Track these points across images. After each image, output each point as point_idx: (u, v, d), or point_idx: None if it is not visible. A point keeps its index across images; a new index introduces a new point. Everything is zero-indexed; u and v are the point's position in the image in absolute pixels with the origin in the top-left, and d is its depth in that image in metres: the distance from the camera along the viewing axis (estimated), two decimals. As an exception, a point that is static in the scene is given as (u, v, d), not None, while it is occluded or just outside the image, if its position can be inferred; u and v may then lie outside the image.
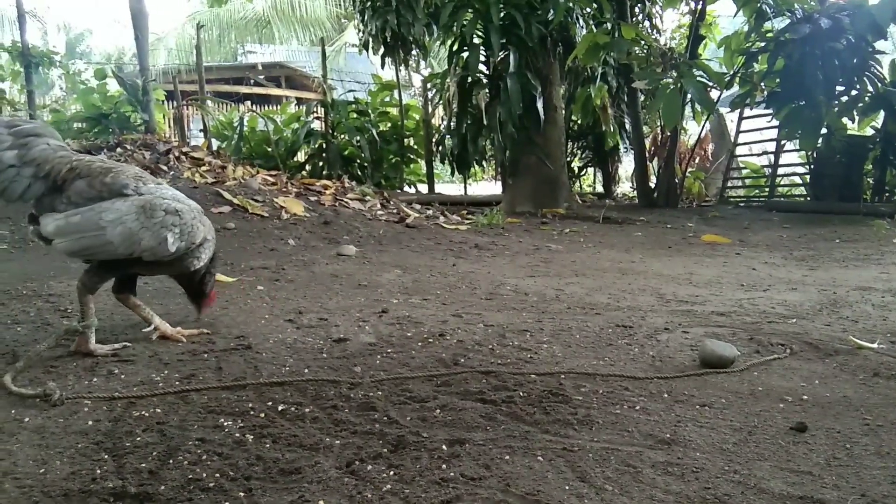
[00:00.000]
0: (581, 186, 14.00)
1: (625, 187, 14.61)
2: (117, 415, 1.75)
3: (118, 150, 7.36)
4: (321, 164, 10.68)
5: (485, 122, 8.49)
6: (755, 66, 8.87)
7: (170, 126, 13.02)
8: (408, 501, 1.33)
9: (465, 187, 11.97)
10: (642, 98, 10.34)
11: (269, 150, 10.62)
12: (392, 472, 1.45)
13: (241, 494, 1.35)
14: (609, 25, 8.45)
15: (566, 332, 2.72)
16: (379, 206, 7.38)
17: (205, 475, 1.42)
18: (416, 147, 11.76)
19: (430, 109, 11.46)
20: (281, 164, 10.10)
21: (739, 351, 2.37)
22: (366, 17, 9.48)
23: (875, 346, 2.47)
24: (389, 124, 11.55)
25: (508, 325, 2.82)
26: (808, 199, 10.05)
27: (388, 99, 11.66)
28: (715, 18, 11.76)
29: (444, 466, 1.48)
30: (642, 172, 10.45)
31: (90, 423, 1.70)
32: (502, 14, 8.03)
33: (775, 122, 9.55)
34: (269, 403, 1.85)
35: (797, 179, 11.43)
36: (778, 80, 8.37)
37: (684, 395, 1.98)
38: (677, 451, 1.57)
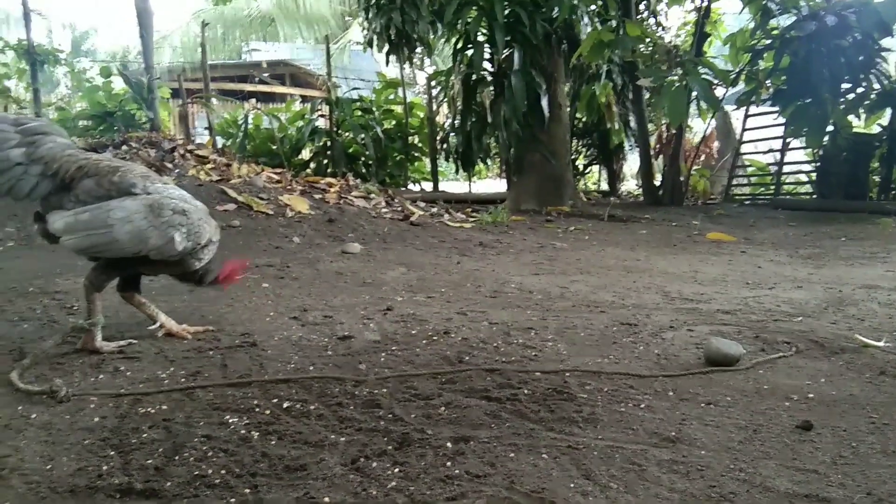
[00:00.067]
0: (586, 184, 13.98)
1: (630, 185, 14.58)
2: (123, 411, 1.76)
3: (123, 147, 7.37)
4: (326, 161, 10.68)
5: (489, 120, 8.48)
6: (761, 64, 8.84)
7: (175, 124, 13.04)
8: (413, 498, 1.33)
9: (470, 185, 11.97)
10: (647, 96, 10.31)
11: (274, 147, 10.64)
12: (397, 470, 1.45)
13: (247, 491, 1.35)
14: (614, 23, 8.44)
15: (571, 330, 2.71)
16: (383, 203, 7.38)
17: (210, 472, 1.43)
18: (420, 145, 11.76)
19: (434, 107, 11.45)
20: (285, 162, 10.10)
21: (745, 349, 2.36)
22: (370, 15, 9.47)
23: (881, 344, 2.46)
24: (394, 122, 11.54)
25: (513, 323, 2.82)
26: (814, 197, 10.00)
27: (392, 97, 11.66)
28: (720, 16, 11.71)
29: (449, 464, 1.48)
30: (647, 170, 10.42)
31: (96, 419, 1.71)
32: (507, 12, 8.02)
33: (781, 120, 9.52)
34: (275, 400, 1.85)
35: (803, 177, 11.39)
36: (784, 77, 8.34)
37: (689, 394, 1.98)
38: (682, 450, 1.57)
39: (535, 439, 1.62)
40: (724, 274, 4.26)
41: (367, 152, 10.54)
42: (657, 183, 10.43)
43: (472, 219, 7.46)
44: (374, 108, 11.23)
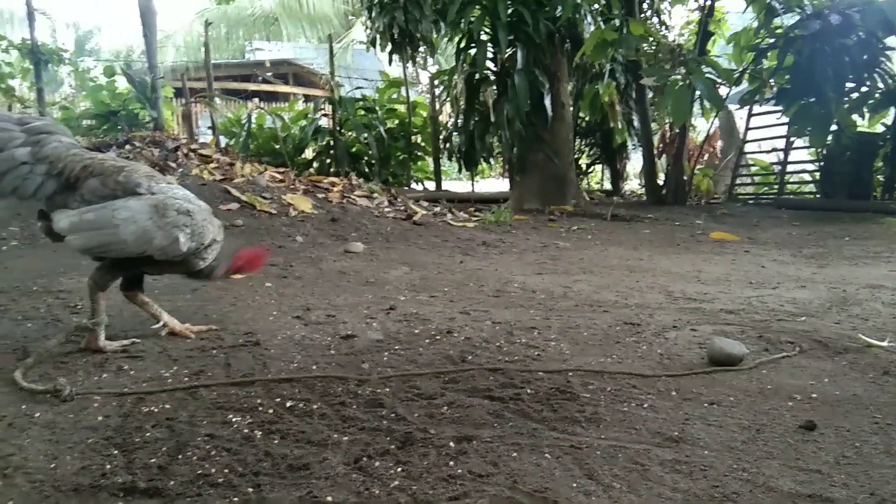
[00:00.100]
0: (589, 183, 13.97)
1: (633, 184, 14.55)
2: (127, 410, 1.77)
3: (127, 147, 7.38)
4: (329, 161, 10.69)
5: (492, 119, 8.47)
6: (764, 63, 8.82)
7: (178, 123, 13.06)
8: (415, 498, 1.33)
9: (473, 184, 11.96)
10: (651, 95, 10.29)
11: (277, 147, 10.64)
12: (400, 469, 1.45)
13: (250, 490, 1.36)
14: (617, 22, 8.41)
15: (574, 330, 2.71)
16: (386, 203, 7.38)
17: (214, 470, 1.43)
18: (423, 144, 11.76)
19: (437, 106, 11.44)
20: (289, 161, 10.11)
21: (748, 349, 2.36)
22: (373, 14, 9.47)
23: (885, 344, 2.45)
24: (397, 121, 11.54)
25: (516, 323, 2.82)
26: (818, 196, 9.97)
27: (395, 96, 11.65)
28: (724, 14, 11.69)
29: (451, 463, 1.48)
30: (650, 169, 10.41)
31: (100, 418, 1.71)
32: (510, 11, 8.01)
33: (785, 119, 9.49)
34: (278, 400, 1.86)
35: (807, 177, 11.36)
36: (787, 76, 8.32)
37: (692, 393, 1.97)
38: (685, 449, 1.57)
39: (538, 439, 1.62)
40: (727, 273, 4.26)
41: (370, 151, 10.54)
42: (660, 182, 10.42)
43: (475, 218, 7.45)
44: (377, 108, 11.22)
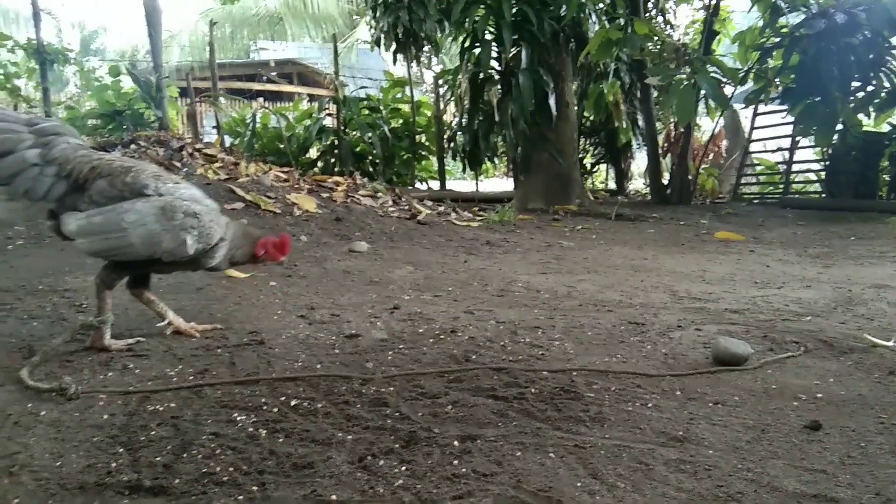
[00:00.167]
0: (593, 183, 13.95)
1: (637, 184, 14.55)
2: (132, 409, 1.77)
3: (132, 146, 7.41)
4: (333, 160, 10.71)
5: (496, 119, 8.47)
6: (770, 62, 8.80)
7: (183, 123, 13.09)
8: (420, 497, 1.33)
9: (477, 184, 11.97)
10: (655, 94, 10.28)
11: (282, 146, 10.66)
12: (404, 468, 1.45)
13: (255, 488, 1.36)
14: (622, 21, 8.40)
15: (578, 329, 2.71)
16: (390, 202, 7.38)
17: (218, 469, 1.43)
18: (427, 143, 11.77)
19: (441, 106, 11.45)
20: (293, 161, 10.13)
21: (753, 349, 2.35)
22: (378, 14, 9.48)
23: (890, 344, 2.44)
24: (401, 121, 11.56)
25: (520, 322, 2.82)
26: (823, 196, 9.95)
27: (399, 95, 11.66)
28: (729, 14, 11.68)
29: (455, 462, 1.48)
30: (655, 169, 10.39)
31: (105, 417, 1.72)
32: (514, 10, 8.00)
33: (790, 119, 9.48)
34: (282, 398, 1.86)
35: (812, 176, 11.33)
36: (793, 75, 8.30)
37: (697, 393, 1.97)
38: (690, 449, 1.57)
39: (542, 438, 1.62)
40: (732, 273, 4.25)
41: (375, 151, 10.55)
42: (665, 182, 10.40)
43: (479, 218, 7.46)
44: (381, 107, 11.24)
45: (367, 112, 10.96)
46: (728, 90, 8.85)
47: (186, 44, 21.38)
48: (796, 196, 10.68)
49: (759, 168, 12.08)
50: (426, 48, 10.11)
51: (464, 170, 11.13)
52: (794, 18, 8.42)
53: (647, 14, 10.31)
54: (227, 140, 11.01)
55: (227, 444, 1.55)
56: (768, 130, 11.24)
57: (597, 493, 1.35)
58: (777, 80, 8.67)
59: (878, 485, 1.40)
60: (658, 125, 11.22)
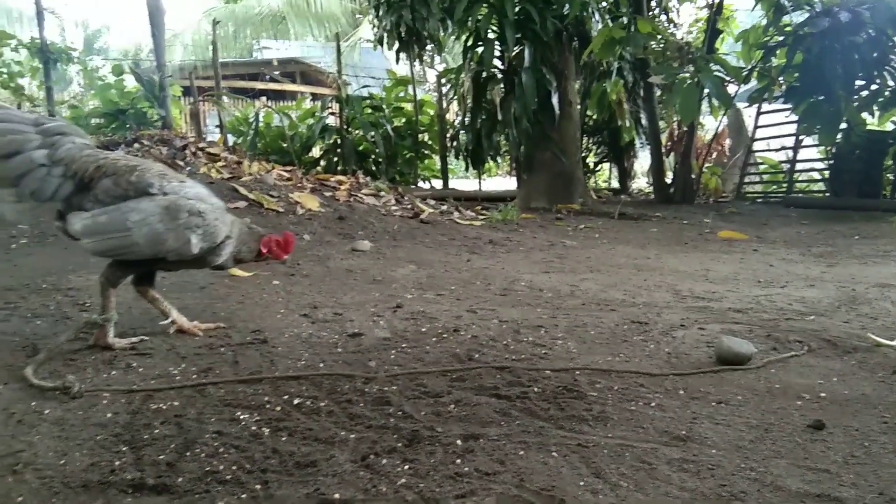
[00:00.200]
0: (596, 182, 13.94)
1: (640, 183, 14.53)
2: (135, 407, 1.77)
3: (135, 145, 7.41)
4: (336, 159, 10.70)
5: (499, 118, 8.46)
6: (773, 61, 8.78)
7: (186, 122, 13.11)
8: (422, 495, 1.33)
9: (480, 183, 11.96)
10: (659, 93, 10.26)
11: (285, 145, 10.67)
12: (407, 467, 1.45)
13: (258, 487, 1.36)
14: (625, 19, 8.40)
15: (581, 329, 2.71)
16: (393, 201, 7.38)
17: (222, 467, 1.44)
18: (430, 142, 11.76)
19: (444, 105, 11.44)
20: (296, 160, 10.13)
21: (756, 348, 2.35)
22: (380, 13, 9.47)
23: (894, 343, 2.44)
24: (404, 120, 11.55)
25: (523, 321, 2.82)
26: (827, 195, 9.93)
27: (402, 94, 11.66)
28: (732, 12, 11.65)
29: (458, 461, 1.48)
30: (658, 168, 10.37)
31: (109, 415, 1.72)
32: (517, 9, 7.99)
33: (794, 117, 9.45)
34: (285, 397, 1.86)
35: (816, 175, 11.31)
36: (796, 74, 8.28)
37: (700, 392, 1.97)
38: (693, 448, 1.57)
39: (545, 437, 1.62)
40: (735, 272, 4.24)
41: (378, 150, 10.55)
42: (668, 181, 10.39)
43: (482, 217, 7.45)
44: (384, 106, 11.24)
45: (369, 111, 10.96)
46: (731, 89, 8.83)
47: (189, 43, 21.38)
48: (800, 195, 10.66)
49: (762, 167, 12.06)
50: (429, 47, 10.08)
51: (466, 169, 11.14)
52: (798, 17, 8.40)
53: (651, 13, 10.29)
54: (230, 139, 11.02)
55: (231, 443, 1.55)
56: (772, 129, 11.22)
57: (600, 492, 1.35)
58: (781, 78, 8.65)
59: (881, 484, 1.40)
60: (661, 124, 11.20)
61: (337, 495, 1.32)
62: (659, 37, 9.05)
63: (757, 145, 11.49)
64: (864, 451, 1.57)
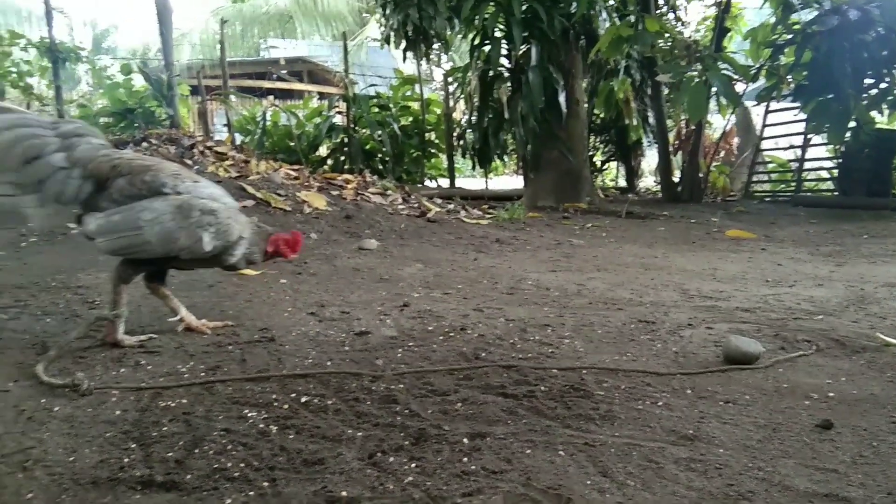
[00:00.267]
0: (603, 181, 13.91)
1: (648, 182, 14.48)
2: (144, 405, 1.78)
3: (144, 144, 7.45)
4: (343, 158, 10.73)
5: (506, 116, 8.46)
6: (782, 59, 8.73)
7: (194, 121, 13.16)
8: (429, 494, 1.33)
9: (486, 182, 11.95)
10: (666, 91, 10.22)
11: (292, 144, 10.69)
12: (414, 465, 1.46)
13: (265, 484, 1.37)
14: (633, 18, 8.34)
15: (588, 328, 2.71)
16: (400, 200, 7.39)
17: (230, 465, 1.44)
18: (437, 141, 11.77)
19: (451, 103, 11.45)
20: (303, 159, 10.16)
21: (764, 347, 2.34)
22: (387, 12, 9.48)
23: (903, 343, 2.43)
24: (411, 118, 11.56)
25: (530, 320, 2.82)
26: (836, 193, 9.87)
27: (409, 93, 11.67)
28: (740, 10, 11.59)
29: (465, 459, 1.48)
30: (666, 167, 10.34)
31: (118, 412, 1.73)
32: (524, 7, 7.98)
33: (802, 116, 9.40)
34: (293, 395, 1.87)
35: (824, 174, 11.24)
36: (805, 72, 8.23)
37: (708, 392, 1.96)
38: (700, 448, 1.57)
39: (552, 436, 1.62)
40: (743, 271, 4.23)
41: (384, 149, 10.57)
42: (676, 179, 10.35)
43: (489, 215, 7.45)
44: (390, 105, 11.25)
45: (376, 110, 10.98)
46: (739, 87, 8.79)
47: (197, 42, 21.46)
48: (808, 194, 10.60)
49: (770, 166, 12.00)
50: (436, 46, 10.10)
51: (473, 167, 11.14)
52: (807, 15, 8.36)
53: (658, 11, 10.25)
54: (238, 138, 11.05)
55: (238, 441, 1.56)
56: (780, 128, 11.16)
57: (606, 490, 1.35)
58: (789, 77, 8.60)
59: (890, 484, 1.39)
60: (669, 122, 11.14)
61: (344, 493, 1.33)
62: (667, 35, 9.02)
63: (765, 144, 11.43)
64: (872, 451, 1.56)
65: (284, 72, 18.23)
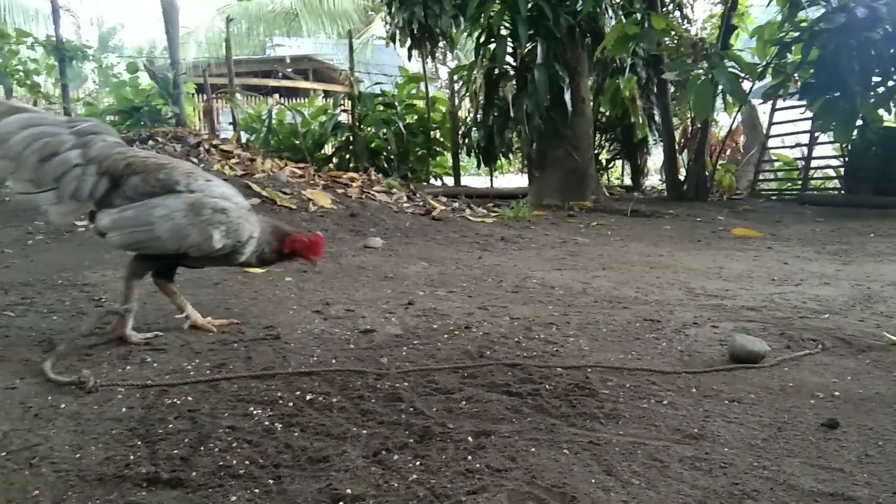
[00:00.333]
0: (609, 179, 13.88)
1: (653, 180, 14.44)
2: (150, 402, 1.79)
3: (150, 142, 7.48)
4: (348, 156, 10.73)
5: (511, 115, 8.44)
6: (788, 57, 8.69)
7: (200, 119, 13.20)
8: (434, 491, 1.33)
9: (492, 180, 11.94)
10: (672, 89, 10.19)
11: (297, 142, 10.70)
12: (418, 463, 1.46)
13: (271, 481, 1.37)
14: (638, 15, 8.34)
15: (593, 326, 2.70)
16: (405, 198, 7.39)
17: (235, 462, 1.45)
18: (442, 139, 11.76)
19: (456, 102, 11.44)
20: (308, 157, 10.17)
21: (770, 346, 2.33)
22: (393, 10, 9.48)
23: (910, 342, 2.42)
24: (416, 117, 11.55)
25: (534, 318, 2.81)
26: (842, 192, 9.83)
27: (414, 91, 11.66)
28: (747, 8, 11.53)
29: (469, 458, 1.48)
30: (672, 165, 10.31)
31: (124, 410, 1.74)
32: (530, 5, 7.97)
33: (809, 114, 9.34)
34: (298, 393, 1.87)
35: (831, 172, 11.19)
36: (812, 70, 8.19)
37: (713, 391, 1.96)
38: (705, 447, 1.56)
39: (557, 434, 1.62)
40: (749, 270, 4.21)
41: (390, 147, 10.56)
42: (682, 178, 10.32)
43: (494, 214, 7.45)
44: (396, 103, 11.24)
45: (381, 108, 10.97)
46: (746, 85, 8.74)
47: (203, 40, 21.52)
48: (815, 192, 10.55)
49: (777, 164, 11.95)
50: (441, 44, 10.09)
51: (478, 166, 11.13)
52: (814, 13, 8.31)
53: (664, 8, 10.20)
54: (244, 136, 11.08)
55: (244, 438, 1.56)
56: (787, 126, 11.12)
57: (611, 489, 1.35)
58: (796, 75, 8.56)
59: (895, 484, 1.39)
60: (675, 121, 11.11)
61: (349, 490, 1.33)
62: (673, 33, 8.98)
63: (771, 142, 11.39)
64: (878, 450, 1.56)
65: (290, 70, 18.26)
